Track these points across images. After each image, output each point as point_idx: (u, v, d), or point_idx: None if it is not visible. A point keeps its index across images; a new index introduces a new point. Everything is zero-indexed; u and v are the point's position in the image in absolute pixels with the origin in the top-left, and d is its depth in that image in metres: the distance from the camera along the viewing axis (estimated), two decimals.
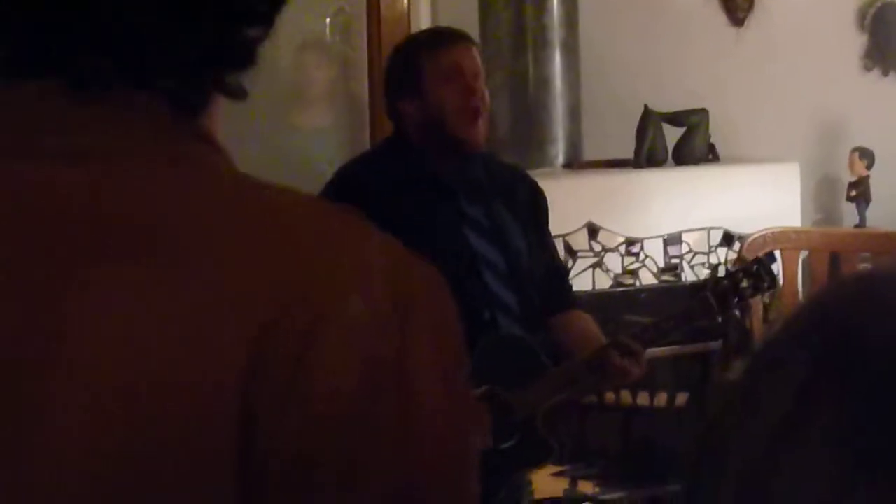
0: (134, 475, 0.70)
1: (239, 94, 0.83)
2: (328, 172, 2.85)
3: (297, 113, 4.46)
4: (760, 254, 4.28)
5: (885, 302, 0.44)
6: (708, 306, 2.80)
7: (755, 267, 2.90)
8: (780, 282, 4.36)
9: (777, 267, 4.40)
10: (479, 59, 2.75)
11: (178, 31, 0.78)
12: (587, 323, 2.89)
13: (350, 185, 2.66)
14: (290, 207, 0.77)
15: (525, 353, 2.70)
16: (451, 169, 2.71)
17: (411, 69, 2.70)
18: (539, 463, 2.82)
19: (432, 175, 2.70)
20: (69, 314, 0.72)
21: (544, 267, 2.85)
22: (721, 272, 2.99)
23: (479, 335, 2.64)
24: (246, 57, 0.81)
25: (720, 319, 2.86)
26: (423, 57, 2.69)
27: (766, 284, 2.87)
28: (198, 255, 0.73)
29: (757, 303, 4.25)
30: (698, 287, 3.19)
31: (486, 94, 2.74)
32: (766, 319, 4.42)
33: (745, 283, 2.84)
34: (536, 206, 2.88)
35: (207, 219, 0.75)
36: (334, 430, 0.70)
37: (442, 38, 2.74)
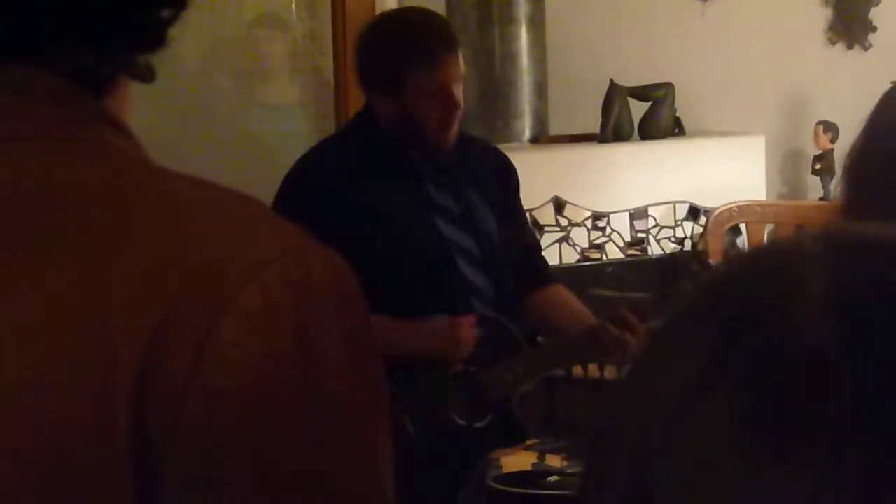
0: (26, 474, 0.68)
1: (147, 76, 0.81)
2: (293, 149, 2.84)
3: (261, 89, 4.44)
4: (726, 227, 4.31)
5: (789, 274, 0.47)
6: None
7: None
8: None
9: (742, 240, 4.42)
10: (461, 63, 2.67)
11: (82, 6, 0.76)
12: (568, 298, 2.89)
13: (310, 178, 2.63)
14: (188, 197, 0.75)
15: (500, 335, 2.70)
16: (419, 156, 2.69)
17: (394, 75, 2.60)
18: (511, 445, 2.82)
19: (400, 164, 2.68)
20: None
21: (518, 245, 2.85)
22: (702, 259, 3.02)
23: None
24: (155, 38, 0.79)
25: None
26: (409, 69, 2.59)
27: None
28: (93, 246, 0.71)
29: None
30: (670, 263, 3.19)
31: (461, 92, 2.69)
32: None
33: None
34: (507, 182, 2.87)
35: (104, 208, 0.73)
36: (235, 426, 0.68)
37: (432, 52, 2.62)
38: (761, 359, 0.44)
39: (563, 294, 2.90)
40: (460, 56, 2.67)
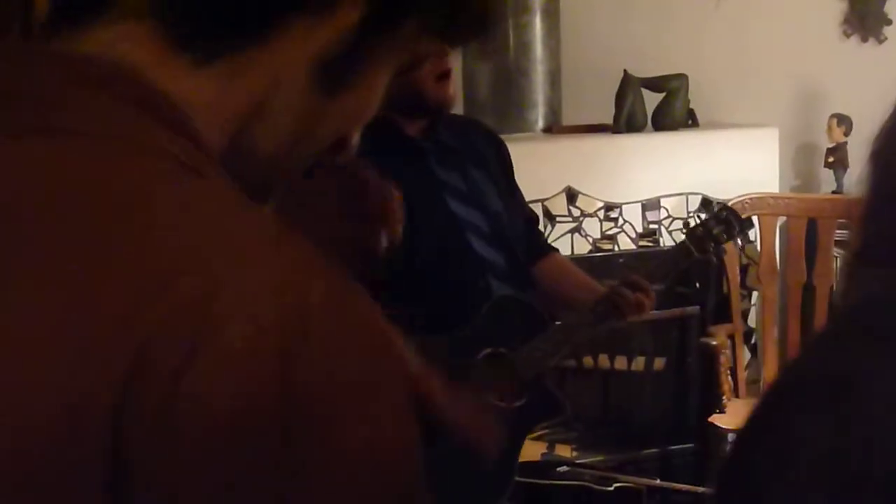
0: None
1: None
2: None
3: None
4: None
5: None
6: (687, 251, 2.95)
7: (724, 213, 3.06)
8: (759, 247, 4.38)
9: (755, 232, 4.42)
10: None
11: None
12: (570, 266, 2.96)
13: None
14: (195, 211, 0.69)
15: (523, 312, 2.72)
16: (420, 136, 2.70)
17: None
18: (552, 417, 2.87)
19: (404, 145, 2.68)
20: None
21: (521, 219, 2.88)
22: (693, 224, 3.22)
23: (477, 302, 2.65)
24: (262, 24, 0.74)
25: (699, 258, 3.02)
26: None
27: (736, 229, 3.03)
28: (90, 255, 0.66)
29: (734, 266, 4.26)
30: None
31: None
32: (743, 285, 4.45)
33: (716, 230, 3.00)
34: (501, 159, 2.89)
35: (114, 213, 0.67)
36: (207, 468, 0.63)
37: None
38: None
39: (565, 263, 2.96)
40: None
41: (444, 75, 2.63)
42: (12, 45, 0.75)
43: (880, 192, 0.80)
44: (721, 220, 3.02)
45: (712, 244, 3.02)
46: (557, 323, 2.76)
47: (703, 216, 3.04)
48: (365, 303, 0.68)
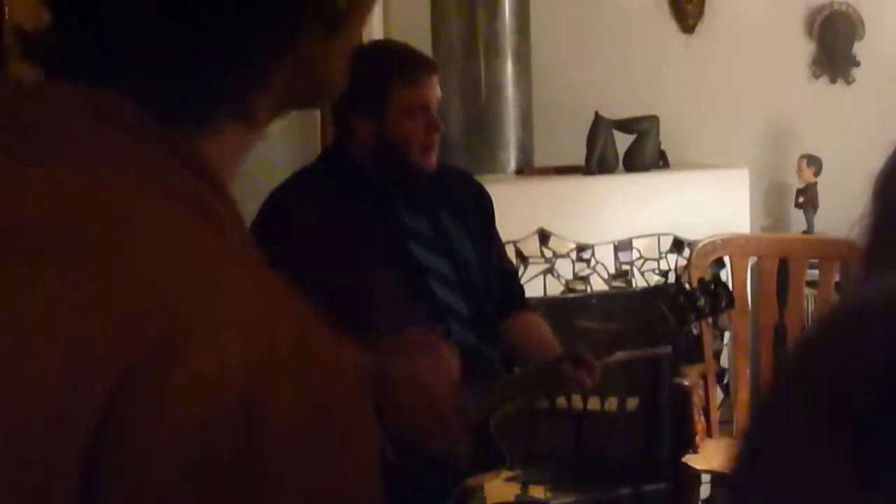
0: None
1: (250, 118, 0.78)
2: (277, 178, 2.83)
3: None
4: (710, 259, 4.33)
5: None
6: (665, 320, 2.83)
7: (713, 286, 2.93)
8: (730, 287, 4.39)
9: (726, 273, 4.44)
10: (439, 89, 2.75)
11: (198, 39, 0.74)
12: (539, 326, 2.90)
13: (282, 211, 2.63)
14: (183, 244, 0.72)
15: (478, 360, 2.70)
16: (390, 183, 2.70)
17: (377, 94, 2.65)
18: (490, 469, 2.81)
19: (372, 190, 2.69)
20: None
21: (494, 271, 2.86)
22: (681, 284, 3.01)
23: None
24: (260, 74, 0.77)
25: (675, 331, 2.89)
26: (392, 86, 2.64)
27: (723, 304, 2.91)
28: (83, 277, 0.69)
29: None
30: (653, 295, 3.16)
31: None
32: (715, 325, 4.45)
33: (702, 301, 2.87)
34: (481, 208, 2.88)
35: (106, 236, 0.71)
36: (175, 490, 0.65)
37: (414, 70, 2.68)
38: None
39: (533, 323, 2.91)
40: (437, 82, 2.73)
41: (430, 146, 2.66)
42: (25, 83, 0.79)
43: (885, 227, 0.83)
44: (709, 293, 2.89)
45: (694, 316, 2.87)
46: (509, 375, 2.75)
47: (688, 286, 2.89)
48: (331, 347, 0.70)
